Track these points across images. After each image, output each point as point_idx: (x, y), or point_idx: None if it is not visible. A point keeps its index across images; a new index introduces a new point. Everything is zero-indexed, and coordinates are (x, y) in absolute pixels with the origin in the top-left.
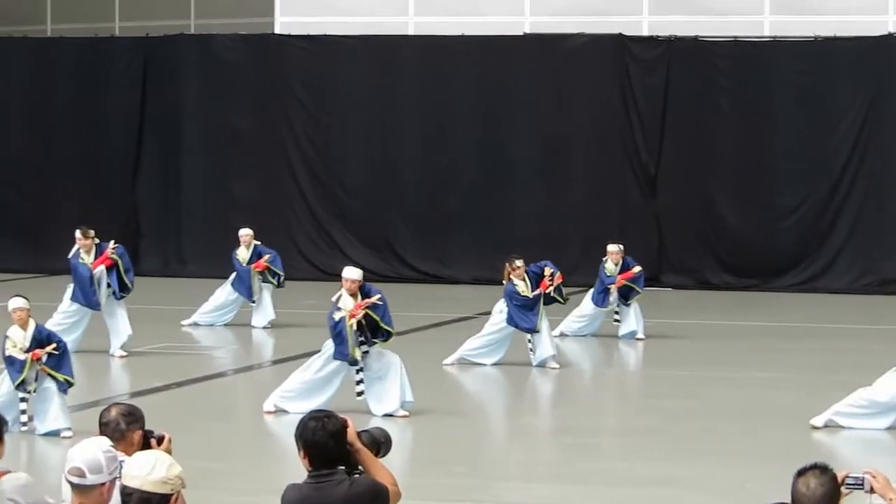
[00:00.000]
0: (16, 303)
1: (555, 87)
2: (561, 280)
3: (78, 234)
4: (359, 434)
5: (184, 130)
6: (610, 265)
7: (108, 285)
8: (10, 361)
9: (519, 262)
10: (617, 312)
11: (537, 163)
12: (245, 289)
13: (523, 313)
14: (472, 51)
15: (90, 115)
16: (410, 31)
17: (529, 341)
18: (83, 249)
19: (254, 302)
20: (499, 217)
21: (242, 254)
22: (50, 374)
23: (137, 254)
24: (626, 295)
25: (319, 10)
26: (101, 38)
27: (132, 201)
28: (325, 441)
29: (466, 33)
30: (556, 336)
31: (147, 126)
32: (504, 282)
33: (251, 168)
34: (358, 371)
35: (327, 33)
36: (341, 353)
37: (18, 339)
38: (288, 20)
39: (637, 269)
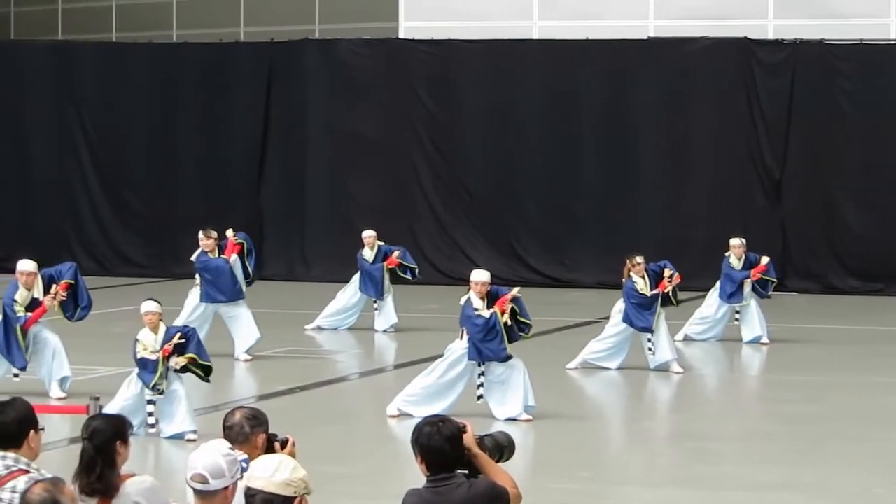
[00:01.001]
0: (148, 306)
1: (678, 91)
2: (679, 281)
3: (201, 234)
4: (482, 438)
5: (308, 135)
6: (734, 260)
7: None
8: (143, 364)
9: (639, 259)
10: (738, 311)
11: (661, 167)
12: (374, 288)
13: (640, 312)
14: (595, 55)
15: (214, 121)
16: (534, 36)
17: (650, 340)
18: (206, 249)
19: (382, 299)
20: (622, 221)
21: (367, 255)
22: (195, 363)
23: (261, 258)
24: (763, 286)
25: (444, 14)
26: (226, 44)
27: (256, 206)
28: (440, 446)
29: (590, 37)
30: (679, 340)
31: (271, 131)
32: (624, 279)
33: (375, 172)
34: (480, 375)
35: (451, 38)
36: (497, 351)
37: (149, 343)
38: (412, 25)
39: (766, 259)
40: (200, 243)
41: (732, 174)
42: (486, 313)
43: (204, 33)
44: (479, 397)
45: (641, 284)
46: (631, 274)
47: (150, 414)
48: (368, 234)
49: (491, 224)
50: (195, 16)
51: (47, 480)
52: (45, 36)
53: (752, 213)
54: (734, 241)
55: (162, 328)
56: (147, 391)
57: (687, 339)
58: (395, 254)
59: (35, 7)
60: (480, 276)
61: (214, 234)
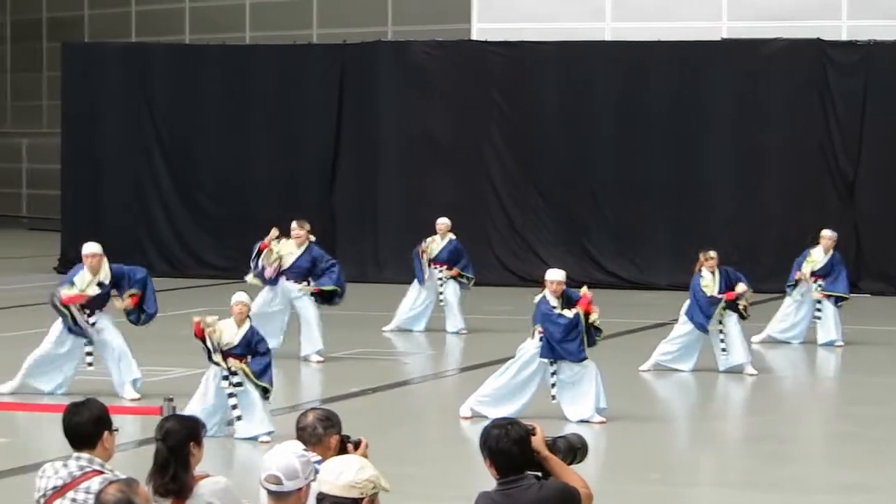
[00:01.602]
0: (239, 296)
1: (751, 93)
2: (749, 296)
3: (294, 224)
4: (555, 440)
5: (381, 137)
6: (819, 252)
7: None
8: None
9: (712, 254)
10: (818, 310)
11: (733, 168)
12: (417, 273)
13: (699, 309)
14: (668, 56)
15: (287, 122)
16: (607, 37)
17: (722, 341)
18: (296, 242)
19: (422, 284)
20: (694, 222)
21: (436, 242)
22: (248, 378)
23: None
24: (835, 300)
25: (516, 16)
26: (298, 46)
27: (329, 207)
28: (509, 448)
29: (662, 38)
30: (757, 342)
31: (344, 132)
32: (694, 273)
33: (447, 173)
34: (552, 374)
35: (524, 39)
36: (576, 352)
37: (229, 334)
38: (485, 26)
39: (817, 295)
40: (292, 233)
41: (805, 176)
42: (570, 313)
43: (276, 35)
44: (553, 396)
45: (709, 279)
46: (702, 268)
47: (234, 406)
48: (442, 222)
49: (563, 225)
50: (268, 18)
51: (121, 481)
52: (118, 38)
53: (825, 215)
54: (826, 233)
55: (247, 324)
56: (223, 384)
57: (769, 338)
58: (433, 263)
59: (109, 9)
60: (556, 275)
61: (307, 225)
